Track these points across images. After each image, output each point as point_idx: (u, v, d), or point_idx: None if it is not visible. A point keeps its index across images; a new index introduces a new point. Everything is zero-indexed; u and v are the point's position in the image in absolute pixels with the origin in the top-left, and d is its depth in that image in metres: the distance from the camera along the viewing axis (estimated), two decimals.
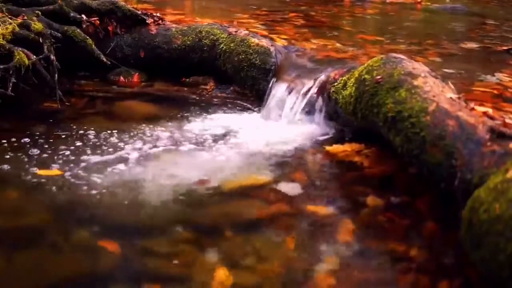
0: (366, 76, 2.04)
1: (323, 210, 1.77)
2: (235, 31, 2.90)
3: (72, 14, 2.83)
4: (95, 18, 2.91)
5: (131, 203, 1.77)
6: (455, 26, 4.42)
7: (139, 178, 1.93)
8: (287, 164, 2.10)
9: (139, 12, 3.04)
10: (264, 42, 2.78)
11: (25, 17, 2.63)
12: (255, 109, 2.61)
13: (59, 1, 2.83)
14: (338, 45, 3.16)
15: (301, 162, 2.14)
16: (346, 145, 2.17)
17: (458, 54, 3.23)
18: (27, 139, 2.18)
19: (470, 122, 1.59)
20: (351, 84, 2.14)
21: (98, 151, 2.11)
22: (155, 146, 2.18)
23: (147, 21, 3.02)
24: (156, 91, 2.86)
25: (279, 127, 2.41)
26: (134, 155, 2.09)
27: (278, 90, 2.54)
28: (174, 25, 3.06)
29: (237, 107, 2.66)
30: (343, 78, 2.27)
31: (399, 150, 1.80)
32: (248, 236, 1.63)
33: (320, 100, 2.39)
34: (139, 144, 2.19)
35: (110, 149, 2.13)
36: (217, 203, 1.81)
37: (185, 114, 2.52)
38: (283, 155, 2.16)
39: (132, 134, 2.28)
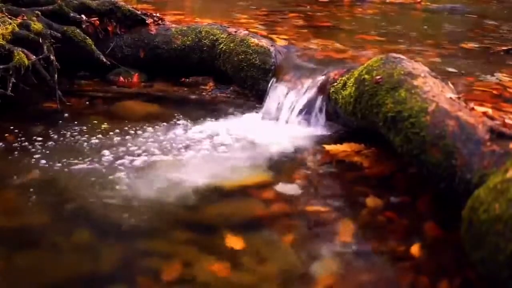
0: (366, 76, 2.04)
1: (323, 210, 1.77)
2: (235, 31, 2.90)
3: (72, 14, 2.83)
4: (95, 18, 2.91)
5: (131, 204, 1.77)
6: (455, 26, 4.42)
7: (139, 178, 1.92)
8: (287, 164, 2.10)
9: (139, 12, 3.04)
10: (264, 42, 2.78)
11: (25, 17, 2.63)
12: (255, 109, 2.61)
13: (59, 1, 2.83)
14: (337, 45, 3.16)
15: (301, 162, 2.14)
16: (346, 145, 2.17)
17: (458, 54, 3.22)
18: (26, 139, 2.18)
19: (470, 122, 1.59)
20: (351, 84, 2.14)
21: (98, 151, 2.11)
22: (154, 146, 2.18)
23: (146, 21, 3.02)
24: (156, 91, 2.86)
25: (278, 127, 2.41)
26: (133, 155, 2.09)
27: (278, 90, 2.54)
28: (173, 25, 3.06)
29: (237, 107, 2.66)
30: (343, 78, 2.27)
31: (399, 150, 1.80)
32: (248, 236, 1.63)
33: (319, 100, 2.39)
34: (138, 144, 2.19)
35: (110, 149, 2.13)
36: (217, 203, 1.81)
37: (185, 114, 2.52)
38: (283, 155, 2.16)
39: (131, 134, 2.28)
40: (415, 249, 1.54)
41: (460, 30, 4.28)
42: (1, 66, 2.34)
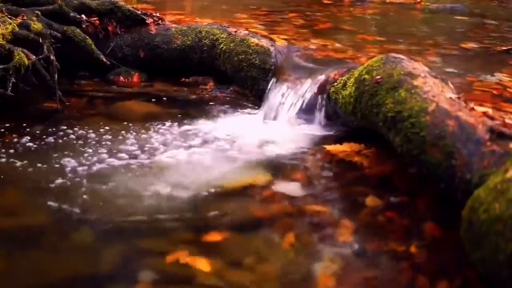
0: (366, 76, 2.04)
1: (323, 210, 1.77)
2: (235, 31, 2.90)
3: (72, 14, 2.83)
4: (95, 18, 2.91)
5: (131, 204, 1.77)
6: (455, 26, 4.42)
7: (138, 178, 1.93)
8: (287, 164, 2.10)
9: (139, 12, 3.04)
10: (264, 42, 2.78)
11: (25, 17, 2.63)
12: (255, 109, 2.61)
13: (59, 1, 2.83)
14: (337, 45, 3.16)
15: (301, 162, 2.14)
16: (346, 145, 2.17)
17: (458, 54, 3.23)
18: (26, 139, 2.18)
19: (470, 122, 1.59)
20: (351, 84, 2.14)
21: (98, 151, 2.11)
22: (154, 146, 2.18)
23: (146, 21, 3.02)
24: (156, 91, 2.86)
25: (278, 127, 2.41)
26: (133, 155, 2.09)
27: (278, 90, 2.54)
28: (173, 25, 3.06)
29: (237, 107, 2.66)
30: (343, 78, 2.27)
31: (399, 150, 1.80)
32: (248, 236, 1.63)
33: (319, 100, 2.39)
34: (138, 144, 2.19)
35: (110, 149, 2.13)
36: (217, 202, 1.81)
37: (185, 114, 2.52)
38: (283, 155, 2.16)
39: (131, 134, 2.28)
40: (415, 249, 1.54)
41: (460, 30, 4.28)
42: (1, 66, 2.34)
